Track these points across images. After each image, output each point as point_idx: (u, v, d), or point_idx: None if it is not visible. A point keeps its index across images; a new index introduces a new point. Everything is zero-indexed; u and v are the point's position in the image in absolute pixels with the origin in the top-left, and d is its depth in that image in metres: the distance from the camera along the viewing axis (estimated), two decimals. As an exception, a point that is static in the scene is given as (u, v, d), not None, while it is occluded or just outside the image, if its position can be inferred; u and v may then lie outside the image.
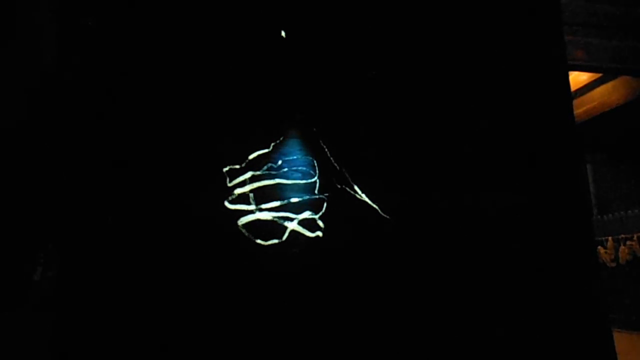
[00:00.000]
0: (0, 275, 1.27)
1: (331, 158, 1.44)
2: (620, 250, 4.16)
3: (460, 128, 1.56)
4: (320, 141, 1.44)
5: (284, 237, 1.36)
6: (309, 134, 1.44)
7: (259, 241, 1.33)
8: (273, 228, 1.36)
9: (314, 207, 1.40)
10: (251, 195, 1.37)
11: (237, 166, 1.38)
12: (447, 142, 1.54)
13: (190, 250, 1.30)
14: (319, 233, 1.38)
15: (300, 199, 1.39)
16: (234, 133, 1.40)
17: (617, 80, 3.87)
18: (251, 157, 1.39)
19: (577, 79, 3.98)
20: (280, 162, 1.40)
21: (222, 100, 1.41)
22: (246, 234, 1.33)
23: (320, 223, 1.39)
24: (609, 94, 4.00)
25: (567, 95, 1.74)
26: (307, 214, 1.38)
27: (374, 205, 1.43)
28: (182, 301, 1.26)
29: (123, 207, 1.29)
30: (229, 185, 1.36)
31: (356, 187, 1.43)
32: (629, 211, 4.24)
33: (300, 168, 1.42)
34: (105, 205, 1.29)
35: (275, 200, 1.37)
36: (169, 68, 1.39)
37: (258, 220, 1.35)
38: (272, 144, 1.41)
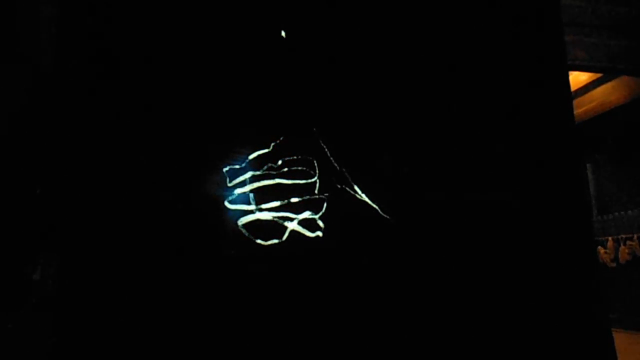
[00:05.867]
0: (0, 275, 1.27)
1: (331, 158, 1.44)
2: (620, 250, 4.16)
3: (459, 128, 1.56)
4: (320, 141, 1.44)
5: (284, 237, 1.36)
6: (309, 134, 1.44)
7: (259, 241, 1.34)
8: (273, 228, 1.36)
9: (314, 207, 1.40)
10: (251, 195, 1.37)
11: (237, 166, 1.38)
12: (446, 142, 1.54)
13: (191, 250, 1.30)
14: (319, 233, 1.38)
15: (300, 199, 1.39)
16: (234, 133, 1.40)
17: (617, 80, 3.87)
18: (251, 157, 1.39)
19: (577, 79, 3.98)
20: (280, 162, 1.40)
21: (222, 100, 1.41)
22: (246, 234, 1.33)
23: (320, 223, 1.39)
24: (609, 94, 4.00)
25: (567, 95, 1.74)
26: (307, 214, 1.38)
27: (374, 205, 1.43)
28: (183, 301, 1.26)
29: (123, 207, 1.29)
30: (229, 185, 1.36)
31: (356, 187, 1.43)
32: (629, 211, 4.24)
33: (300, 168, 1.42)
34: (105, 205, 1.29)
35: (275, 200, 1.37)
36: (169, 68, 1.39)
37: (258, 220, 1.35)
38: (272, 144, 1.41)
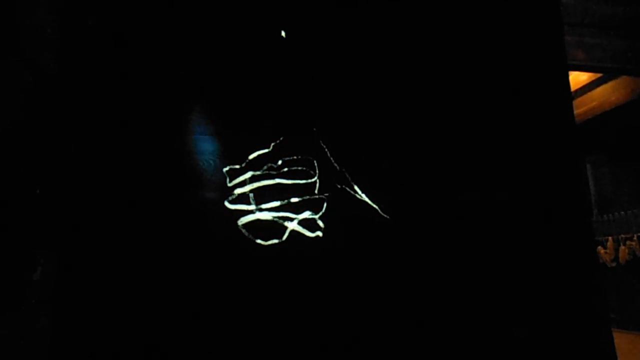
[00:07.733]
0: (0, 275, 1.27)
1: (331, 158, 1.44)
2: (620, 250, 4.17)
3: (460, 128, 1.56)
4: (320, 141, 1.44)
5: (284, 237, 1.36)
6: (309, 134, 1.44)
7: (259, 241, 1.34)
8: (273, 228, 1.36)
9: (314, 207, 1.40)
10: (251, 195, 1.37)
11: (237, 166, 1.38)
12: (446, 142, 1.54)
13: (191, 250, 1.30)
14: (319, 233, 1.38)
15: (300, 199, 1.39)
16: (234, 133, 1.40)
17: (617, 80, 3.87)
18: (251, 157, 1.39)
19: (577, 79, 3.98)
20: (280, 162, 1.40)
21: (222, 100, 1.41)
22: (246, 234, 1.33)
23: (320, 223, 1.39)
24: (609, 94, 4.00)
25: (567, 95, 1.74)
26: (307, 214, 1.38)
27: (374, 205, 1.43)
28: (182, 301, 1.26)
29: (122, 207, 1.29)
30: (229, 185, 1.36)
31: (356, 187, 1.43)
32: (629, 211, 4.24)
33: (300, 168, 1.42)
34: (105, 205, 1.29)
35: (275, 200, 1.37)
36: (169, 68, 1.39)
37: (258, 220, 1.35)
38: (272, 144, 1.41)
